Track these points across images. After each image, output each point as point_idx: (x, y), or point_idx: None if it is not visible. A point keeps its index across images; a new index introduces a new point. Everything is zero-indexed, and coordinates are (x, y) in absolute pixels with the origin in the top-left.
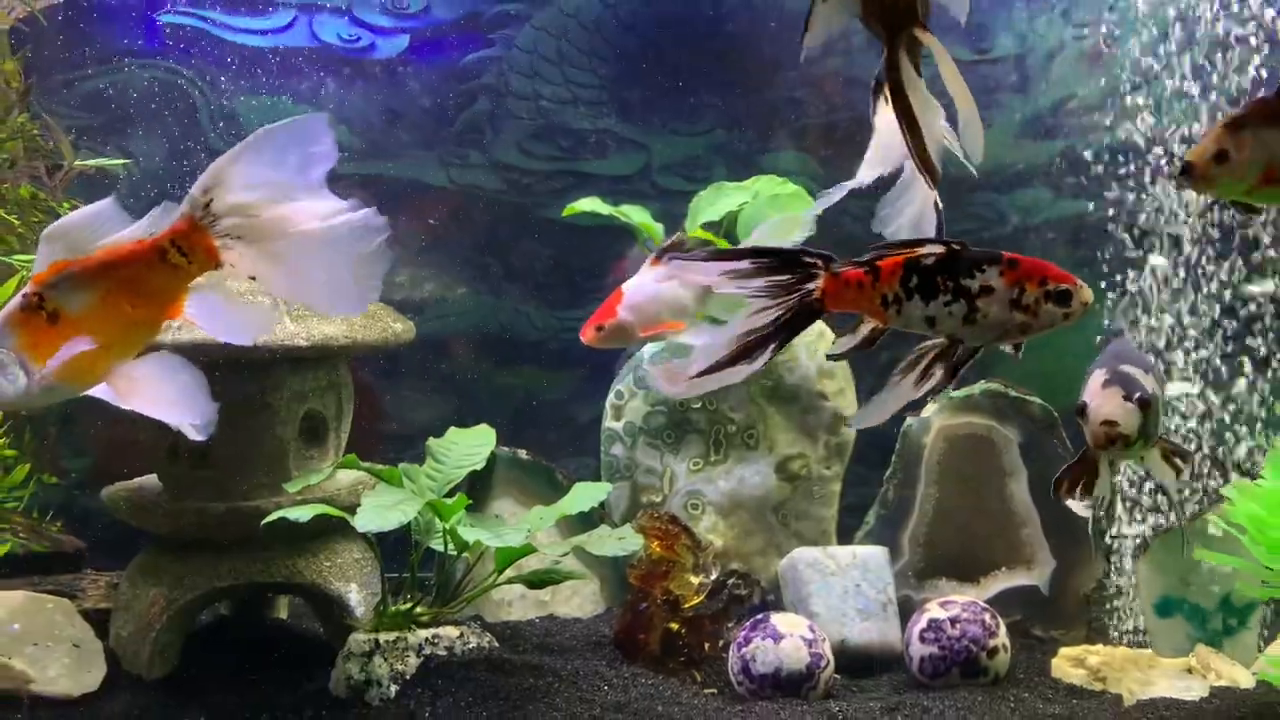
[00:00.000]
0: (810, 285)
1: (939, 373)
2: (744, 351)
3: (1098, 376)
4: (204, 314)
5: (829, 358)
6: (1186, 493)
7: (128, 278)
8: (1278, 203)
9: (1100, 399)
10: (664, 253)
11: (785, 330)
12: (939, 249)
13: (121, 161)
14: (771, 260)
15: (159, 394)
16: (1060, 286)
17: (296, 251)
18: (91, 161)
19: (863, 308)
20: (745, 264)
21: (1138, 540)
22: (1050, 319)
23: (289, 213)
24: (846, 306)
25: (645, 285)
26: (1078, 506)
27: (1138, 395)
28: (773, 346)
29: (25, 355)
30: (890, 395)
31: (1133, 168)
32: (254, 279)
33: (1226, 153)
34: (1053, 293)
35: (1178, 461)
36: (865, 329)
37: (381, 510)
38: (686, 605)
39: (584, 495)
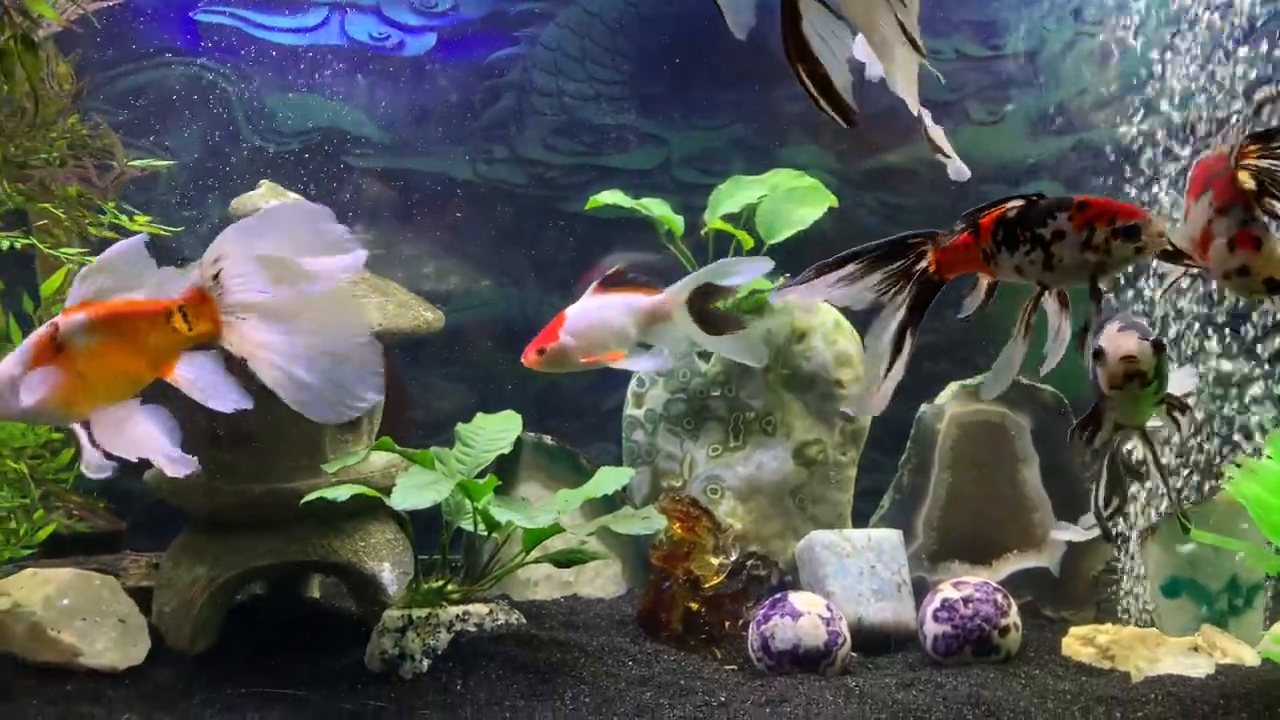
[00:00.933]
0: (923, 263)
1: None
2: (898, 346)
3: (1111, 326)
4: (191, 377)
5: (960, 318)
6: (1180, 474)
7: (130, 331)
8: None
9: (1117, 339)
10: (607, 280)
11: (918, 310)
12: (1019, 201)
13: (168, 163)
14: (877, 254)
15: (132, 439)
16: (1129, 223)
17: (291, 346)
18: (139, 162)
19: (974, 266)
20: (853, 267)
21: (1145, 523)
22: (1123, 255)
23: (292, 301)
24: (961, 269)
25: (589, 311)
26: (1077, 533)
27: (1152, 338)
28: (913, 329)
29: (32, 376)
30: (1012, 352)
31: (1144, 162)
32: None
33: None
34: (1121, 230)
35: (1177, 415)
36: (983, 285)
37: (416, 489)
38: (707, 585)
39: (608, 479)
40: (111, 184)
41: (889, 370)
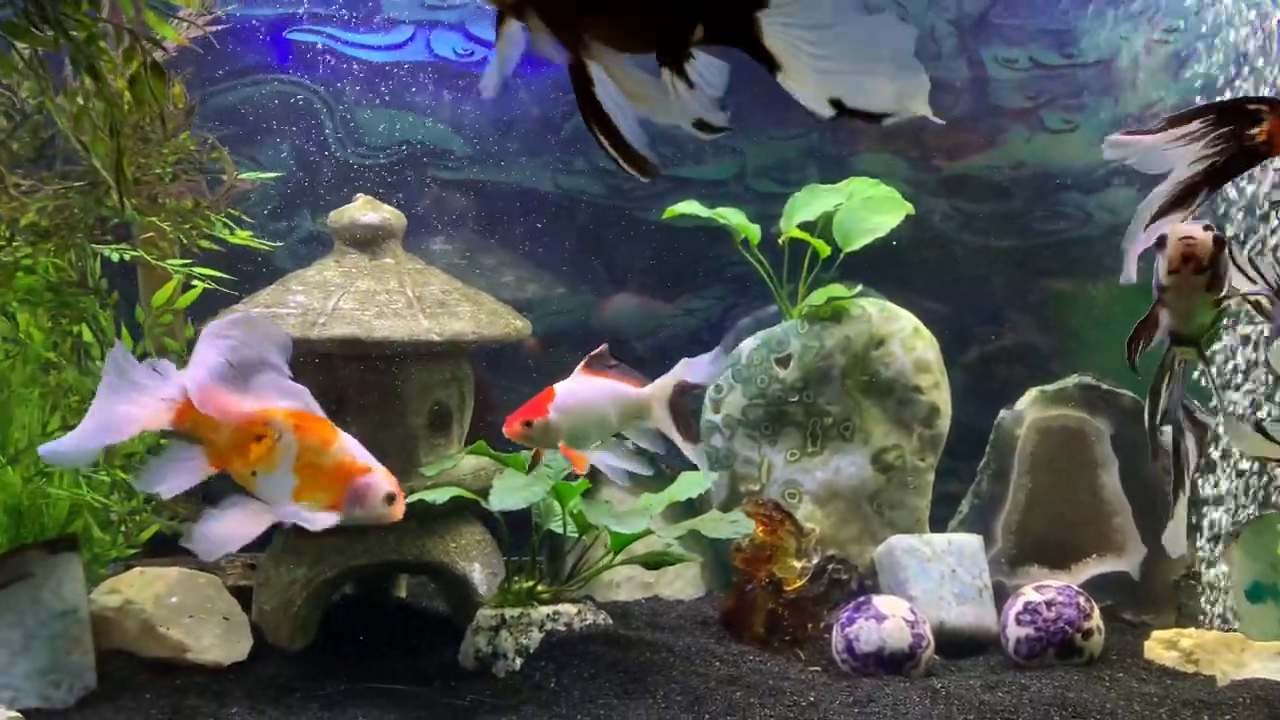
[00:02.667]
0: (1255, 129)
1: None
2: (1178, 199)
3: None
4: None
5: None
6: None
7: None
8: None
9: (1179, 226)
10: (592, 361)
11: (1221, 177)
12: None
13: (274, 175)
14: (1220, 112)
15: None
16: None
17: None
18: (250, 175)
19: None
20: (1198, 125)
21: (1229, 528)
22: None
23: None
24: None
25: (578, 392)
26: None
27: (1214, 232)
28: (1205, 192)
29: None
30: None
31: None
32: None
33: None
34: None
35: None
36: None
37: (513, 491)
38: (789, 588)
39: (690, 483)
40: (222, 197)
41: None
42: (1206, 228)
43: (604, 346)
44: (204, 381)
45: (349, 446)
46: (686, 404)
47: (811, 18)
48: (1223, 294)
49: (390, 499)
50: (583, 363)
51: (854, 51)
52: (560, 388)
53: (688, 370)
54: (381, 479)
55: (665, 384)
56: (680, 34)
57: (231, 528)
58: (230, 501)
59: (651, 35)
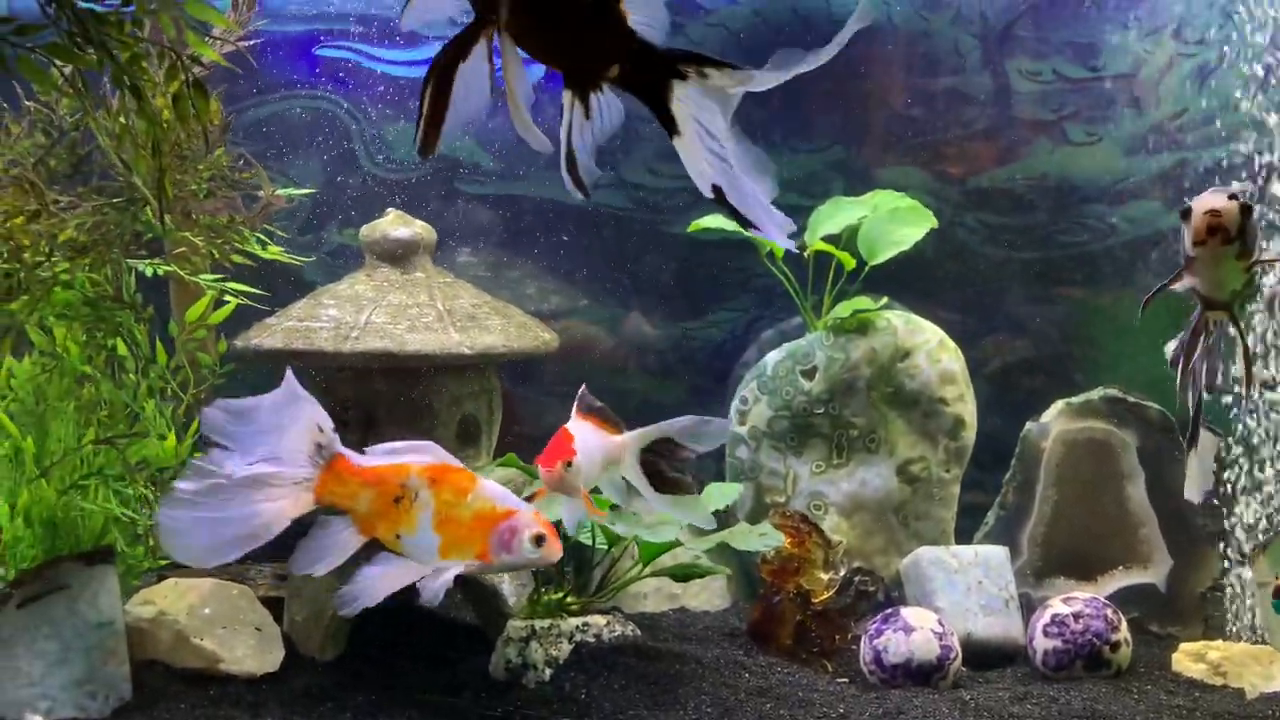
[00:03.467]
0: None
1: None
2: None
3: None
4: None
5: None
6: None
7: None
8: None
9: (1205, 197)
10: (582, 406)
11: None
12: None
13: (308, 191)
14: None
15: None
16: None
17: None
18: (285, 191)
19: None
20: None
21: (1257, 539)
22: None
23: None
24: None
25: (589, 437)
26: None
27: (1240, 200)
28: None
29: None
30: None
31: (1242, 181)
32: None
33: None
34: None
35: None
36: None
37: (545, 504)
38: (817, 600)
39: (717, 495)
40: (259, 214)
41: None
42: (1231, 196)
43: (584, 388)
44: (344, 450)
45: (487, 492)
46: (664, 459)
47: (711, 120)
48: (1253, 259)
49: (539, 540)
50: (576, 408)
51: (739, 162)
52: (575, 431)
53: (678, 430)
54: (525, 521)
55: (641, 436)
56: (598, 65)
57: (383, 582)
58: (384, 557)
59: (572, 55)
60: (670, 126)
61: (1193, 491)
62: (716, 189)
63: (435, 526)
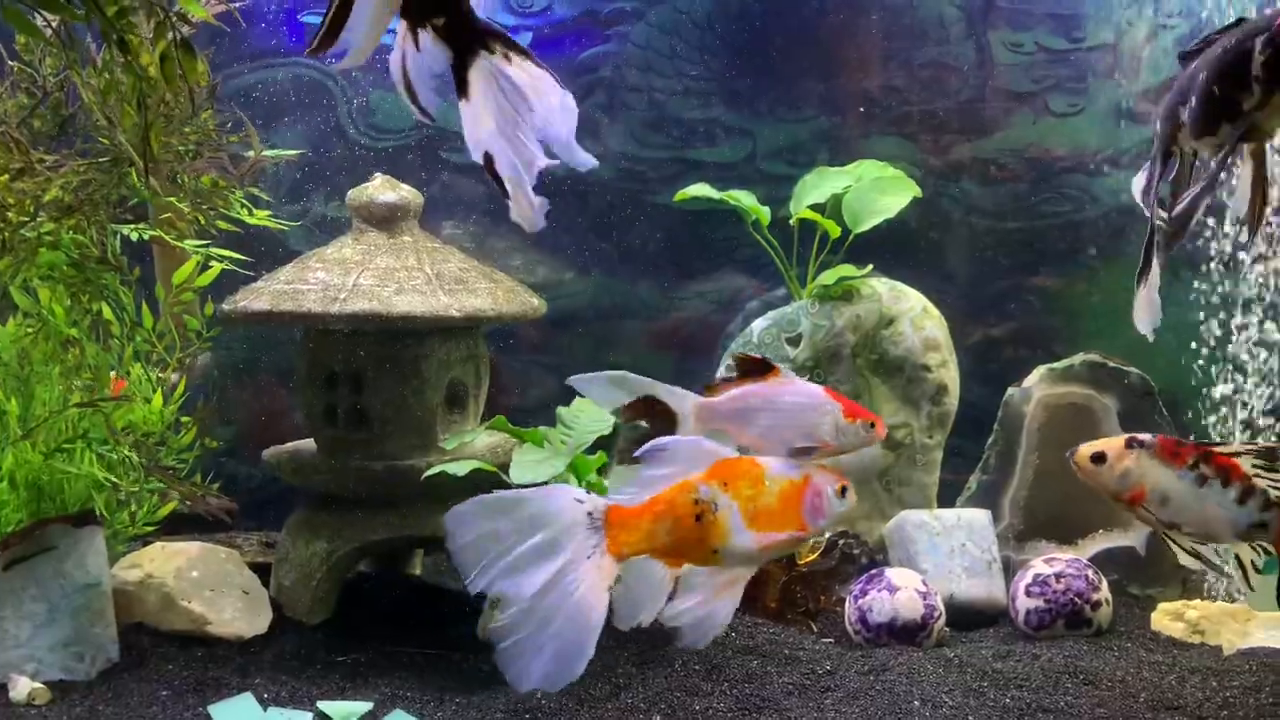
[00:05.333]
0: None
1: None
2: None
3: None
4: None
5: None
6: None
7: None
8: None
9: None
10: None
11: None
12: None
13: (296, 152)
14: None
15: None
16: None
17: None
18: (271, 153)
19: None
20: None
21: None
22: None
23: None
24: None
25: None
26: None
27: None
28: None
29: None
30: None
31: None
32: None
33: (1104, 457)
34: None
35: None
36: None
37: (533, 465)
38: (802, 562)
39: None
40: (247, 171)
41: None
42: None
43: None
44: (614, 499)
45: (777, 469)
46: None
47: (513, 94)
48: None
49: (843, 491)
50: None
51: (516, 147)
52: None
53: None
54: (824, 480)
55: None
56: (427, 8)
57: (716, 607)
58: (696, 582)
59: None
60: (462, 89)
61: (1143, 324)
62: (487, 157)
63: (748, 524)
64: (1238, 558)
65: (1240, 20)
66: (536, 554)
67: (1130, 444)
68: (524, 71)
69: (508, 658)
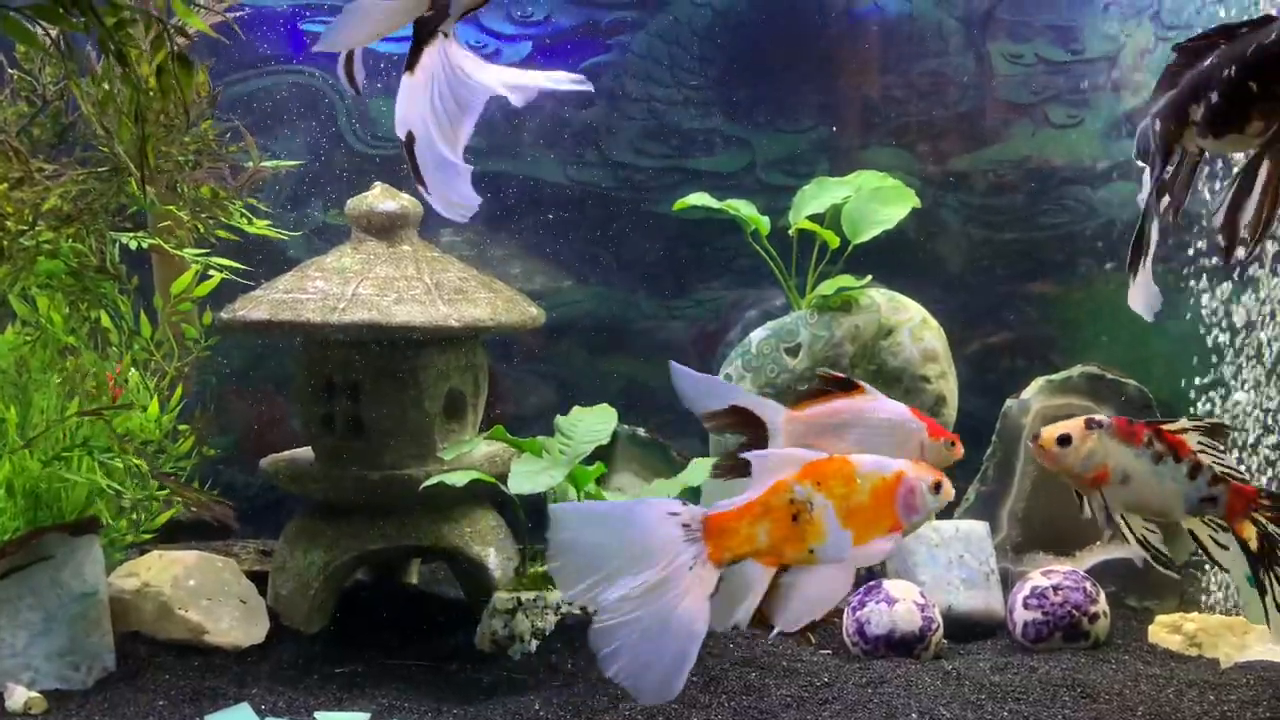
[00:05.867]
0: None
1: None
2: None
3: None
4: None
5: None
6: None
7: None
8: (1098, 503)
9: None
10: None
11: None
12: None
13: (295, 163)
14: None
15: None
16: None
17: None
18: (270, 164)
19: None
20: None
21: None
22: None
23: None
24: None
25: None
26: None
27: None
28: None
29: None
30: None
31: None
32: None
33: (1070, 439)
34: None
35: None
36: None
37: (531, 475)
38: None
39: (702, 469)
40: (246, 182)
41: None
42: None
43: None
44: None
45: (870, 465)
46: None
47: (456, 83)
48: None
49: (936, 487)
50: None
51: (444, 134)
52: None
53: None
54: (917, 475)
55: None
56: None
57: (819, 593)
58: (797, 570)
59: None
60: (411, 63)
61: (1139, 306)
62: (410, 136)
63: (843, 523)
64: (1198, 540)
65: (1269, 17)
66: (636, 568)
67: (1090, 425)
68: (464, 58)
69: (624, 676)
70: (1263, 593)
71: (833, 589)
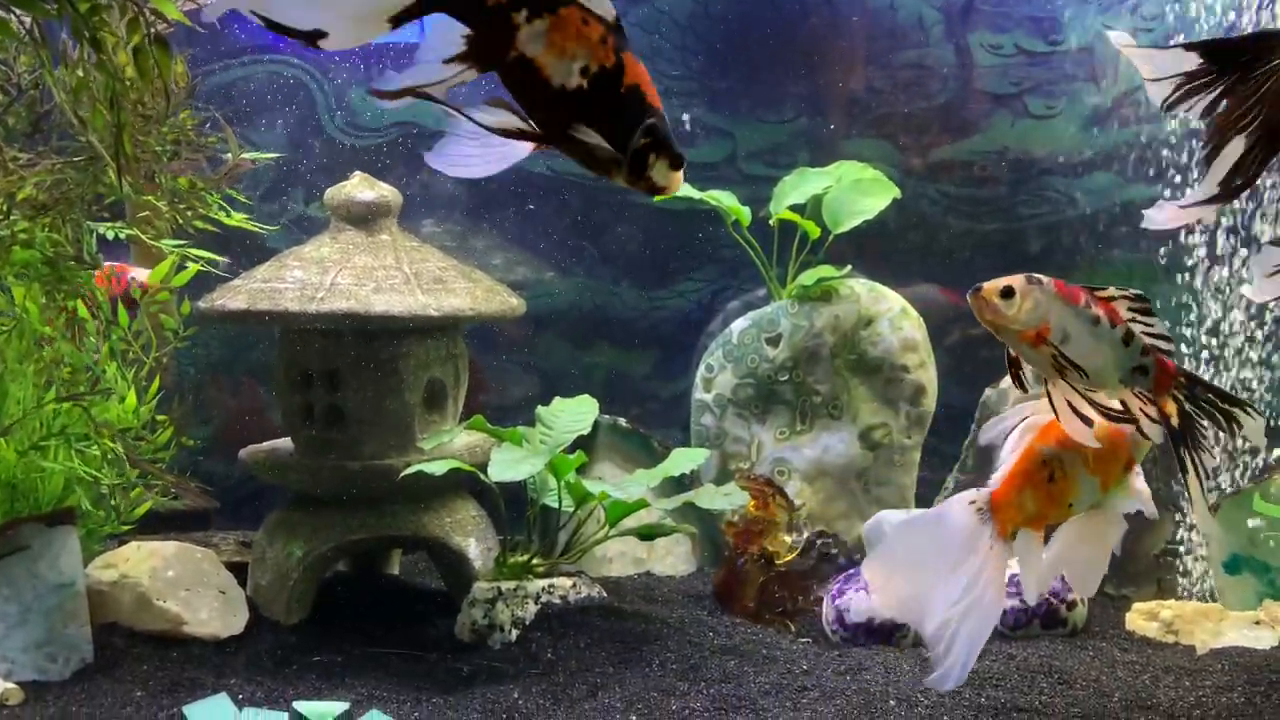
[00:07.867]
0: None
1: None
2: None
3: None
4: None
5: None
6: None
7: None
8: (1034, 364)
9: None
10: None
11: None
12: None
13: (275, 155)
14: None
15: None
16: None
17: None
18: (250, 155)
19: None
20: None
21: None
22: None
23: None
24: None
25: None
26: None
27: None
28: None
29: None
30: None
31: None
32: None
33: (1013, 291)
34: None
35: None
36: None
37: (512, 464)
38: (780, 562)
39: (683, 459)
40: (225, 175)
41: None
42: None
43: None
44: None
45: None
46: None
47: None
48: None
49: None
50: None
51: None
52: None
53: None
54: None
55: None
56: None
57: (1094, 551)
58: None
59: None
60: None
61: (1154, 221)
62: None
63: (1090, 471)
64: (1128, 410)
65: None
66: (952, 567)
67: (1030, 280)
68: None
69: (948, 669)
70: (1184, 470)
71: (1107, 538)
